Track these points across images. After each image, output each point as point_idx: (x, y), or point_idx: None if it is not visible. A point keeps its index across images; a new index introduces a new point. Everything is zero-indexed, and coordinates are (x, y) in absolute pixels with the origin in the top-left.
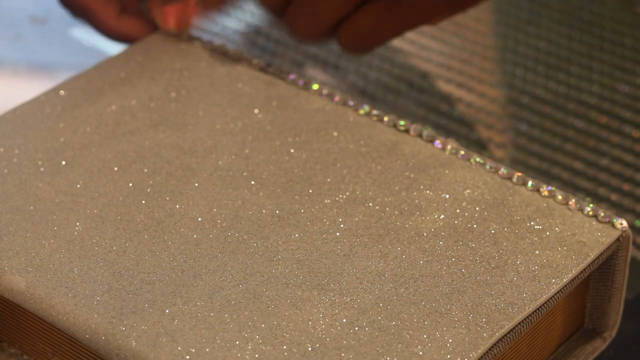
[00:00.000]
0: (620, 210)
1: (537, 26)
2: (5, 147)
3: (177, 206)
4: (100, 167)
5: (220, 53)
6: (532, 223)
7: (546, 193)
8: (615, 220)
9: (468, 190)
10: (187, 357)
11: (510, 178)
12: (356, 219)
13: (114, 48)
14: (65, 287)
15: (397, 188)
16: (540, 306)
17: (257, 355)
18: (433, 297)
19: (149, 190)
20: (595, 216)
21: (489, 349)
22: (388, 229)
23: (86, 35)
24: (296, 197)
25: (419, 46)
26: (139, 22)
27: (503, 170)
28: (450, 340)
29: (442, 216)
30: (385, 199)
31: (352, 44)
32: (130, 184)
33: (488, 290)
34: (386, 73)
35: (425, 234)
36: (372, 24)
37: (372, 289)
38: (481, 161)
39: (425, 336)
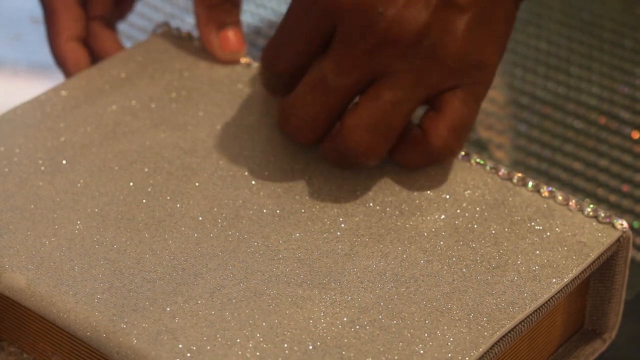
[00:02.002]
0: (619, 211)
1: (537, 27)
2: (5, 147)
3: (178, 205)
4: (101, 166)
5: None
6: (533, 223)
7: (546, 194)
8: (615, 220)
9: (468, 191)
10: (188, 355)
11: (510, 179)
12: (357, 218)
13: None
14: (66, 285)
15: (397, 188)
16: (541, 306)
17: (258, 354)
18: (434, 297)
19: (149, 189)
20: (595, 217)
21: (490, 348)
22: (389, 229)
23: None
24: (297, 196)
25: None
26: (84, 53)
27: (503, 171)
28: (451, 339)
29: (443, 216)
30: (386, 199)
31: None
32: (131, 183)
33: (489, 290)
34: None
35: (425, 234)
36: (467, 115)
37: (372, 288)
38: (481, 162)
39: (426, 335)
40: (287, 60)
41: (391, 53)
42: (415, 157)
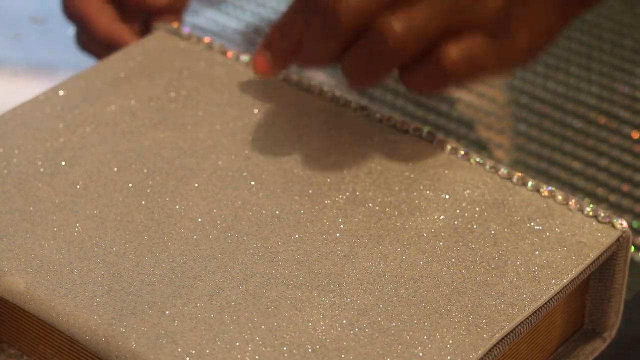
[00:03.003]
0: (619, 211)
1: None
2: (5, 148)
3: (177, 207)
4: (100, 167)
5: (220, 53)
6: (533, 224)
7: (546, 193)
8: (615, 220)
9: (468, 191)
10: (188, 358)
11: (510, 178)
12: (356, 219)
13: None
14: (66, 289)
15: (397, 188)
16: (541, 307)
17: (257, 357)
18: (433, 298)
19: (149, 191)
20: (595, 217)
21: (489, 350)
22: (388, 230)
23: None
24: (296, 197)
25: None
26: (131, 30)
27: (503, 171)
28: (451, 342)
29: (442, 217)
30: (386, 200)
31: (460, 69)
32: (130, 185)
33: (488, 292)
34: None
35: (425, 235)
36: (483, 51)
37: (372, 290)
38: (481, 161)
39: (425, 337)
40: None
41: None
42: (422, 77)
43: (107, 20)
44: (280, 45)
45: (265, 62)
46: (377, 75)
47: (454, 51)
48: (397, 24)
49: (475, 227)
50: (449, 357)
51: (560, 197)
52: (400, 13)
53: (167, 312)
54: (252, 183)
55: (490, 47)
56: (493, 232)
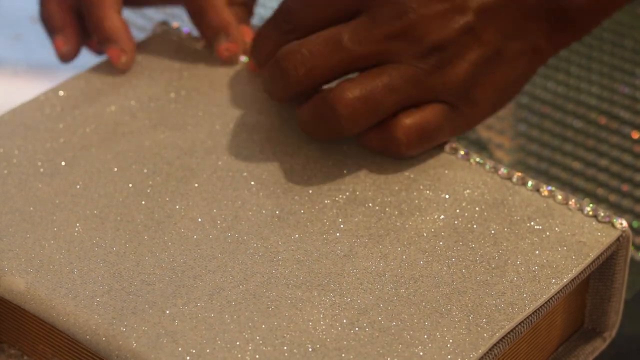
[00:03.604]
0: (619, 211)
1: None
2: (4, 148)
3: (177, 207)
4: (100, 167)
5: None
6: (532, 223)
7: (546, 193)
8: (615, 220)
9: (468, 191)
10: (188, 358)
11: (510, 178)
12: (356, 219)
13: None
14: (66, 288)
15: (397, 188)
16: (541, 306)
17: (257, 356)
18: (433, 298)
19: (148, 190)
20: (595, 216)
21: (490, 349)
22: (388, 230)
23: None
24: (296, 197)
25: None
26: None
27: (503, 171)
28: (451, 341)
29: (442, 216)
30: (385, 199)
31: (413, 139)
32: (130, 185)
33: (488, 291)
34: None
35: (425, 234)
36: (439, 124)
37: (372, 289)
38: (481, 161)
39: (425, 336)
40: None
41: (407, 47)
42: (374, 142)
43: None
44: (253, 56)
45: (252, 64)
46: (327, 134)
47: (407, 121)
48: (351, 94)
49: (475, 226)
50: (449, 356)
51: (559, 197)
52: (357, 82)
53: (167, 312)
54: (252, 183)
55: (448, 117)
56: (493, 232)
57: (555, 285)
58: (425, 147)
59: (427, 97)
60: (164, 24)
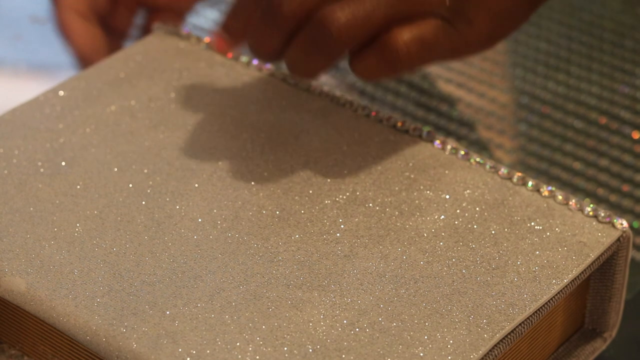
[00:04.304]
0: (619, 211)
1: (537, 26)
2: (4, 148)
3: (177, 207)
4: (100, 167)
5: (220, 53)
6: (533, 223)
7: (546, 193)
8: (615, 220)
9: (468, 191)
10: (188, 358)
11: (510, 178)
12: (356, 219)
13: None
14: (66, 289)
15: (397, 188)
16: (541, 307)
17: (257, 357)
18: (433, 298)
19: (149, 191)
20: (595, 216)
21: (490, 350)
22: (388, 230)
23: None
24: (296, 197)
25: None
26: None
27: (503, 171)
28: (451, 342)
29: (443, 217)
30: (385, 200)
31: (406, 54)
32: (130, 185)
33: (488, 291)
34: None
35: (425, 235)
36: (436, 36)
37: (372, 290)
38: (481, 161)
39: (425, 337)
40: None
41: None
42: (373, 61)
43: (86, 39)
44: (232, 25)
45: (222, 41)
46: (319, 65)
47: (405, 34)
48: (340, 12)
49: (475, 226)
50: (449, 357)
51: (560, 197)
52: (344, 2)
53: (168, 312)
54: (252, 183)
55: (444, 32)
56: (493, 232)
57: (555, 285)
58: (424, 59)
59: (417, 11)
60: (164, 24)
